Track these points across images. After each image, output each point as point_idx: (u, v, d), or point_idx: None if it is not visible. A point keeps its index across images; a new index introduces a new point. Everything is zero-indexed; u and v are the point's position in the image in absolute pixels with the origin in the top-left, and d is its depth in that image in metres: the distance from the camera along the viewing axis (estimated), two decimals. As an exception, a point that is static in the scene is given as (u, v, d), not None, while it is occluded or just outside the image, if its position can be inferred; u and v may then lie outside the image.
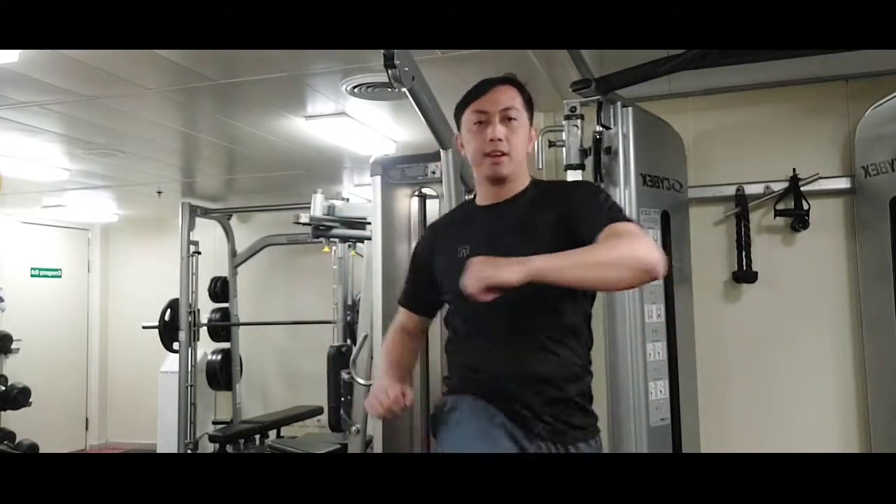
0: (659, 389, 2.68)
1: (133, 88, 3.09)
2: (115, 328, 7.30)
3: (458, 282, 1.42)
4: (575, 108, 2.68)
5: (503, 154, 1.63)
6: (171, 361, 5.90)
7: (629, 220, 1.54)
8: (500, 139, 1.63)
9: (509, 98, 1.67)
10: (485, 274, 1.36)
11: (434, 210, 2.96)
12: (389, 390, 1.66)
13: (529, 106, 1.71)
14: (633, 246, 1.42)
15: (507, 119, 1.65)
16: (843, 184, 2.99)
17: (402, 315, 1.89)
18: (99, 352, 7.29)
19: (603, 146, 2.67)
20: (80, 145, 4.09)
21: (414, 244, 2.01)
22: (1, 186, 4.14)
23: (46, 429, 6.11)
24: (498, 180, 1.68)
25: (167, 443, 5.85)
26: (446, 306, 1.81)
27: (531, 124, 1.73)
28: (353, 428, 3.55)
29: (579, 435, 1.64)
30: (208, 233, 6.13)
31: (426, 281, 1.78)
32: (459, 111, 1.73)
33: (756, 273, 3.03)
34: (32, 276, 6.67)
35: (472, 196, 1.84)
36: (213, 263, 6.17)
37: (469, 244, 1.65)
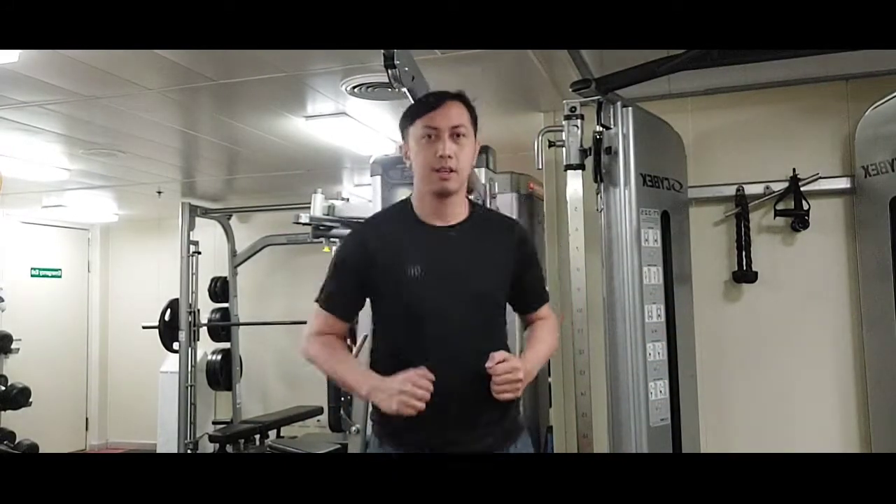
0: (659, 389, 2.68)
1: (133, 88, 3.09)
2: (115, 328, 7.30)
3: (411, 301, 1.70)
4: (575, 108, 2.68)
5: (451, 171, 1.68)
6: (171, 361, 5.90)
7: (547, 295, 1.97)
8: (449, 156, 1.66)
9: (458, 115, 1.71)
10: (520, 381, 1.63)
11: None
12: (415, 379, 1.58)
13: (475, 123, 1.76)
14: (557, 329, 1.94)
15: (456, 136, 1.69)
16: (843, 184, 2.99)
17: (328, 323, 1.79)
18: (99, 352, 7.29)
19: (603, 146, 2.67)
20: (80, 145, 4.09)
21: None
22: (1, 186, 4.13)
23: (46, 429, 6.11)
24: (444, 195, 1.72)
25: (167, 443, 5.85)
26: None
27: (476, 141, 1.78)
28: (353, 428, 3.55)
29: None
30: (208, 233, 6.13)
31: (356, 286, 1.77)
32: (407, 122, 1.75)
33: (756, 273, 3.03)
34: (32, 276, 6.67)
35: (403, 200, 1.85)
36: (213, 263, 6.17)
37: (421, 266, 1.69)
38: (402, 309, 1.73)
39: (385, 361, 1.72)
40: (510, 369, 1.61)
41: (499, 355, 1.62)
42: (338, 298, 1.80)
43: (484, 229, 1.80)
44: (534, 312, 1.88)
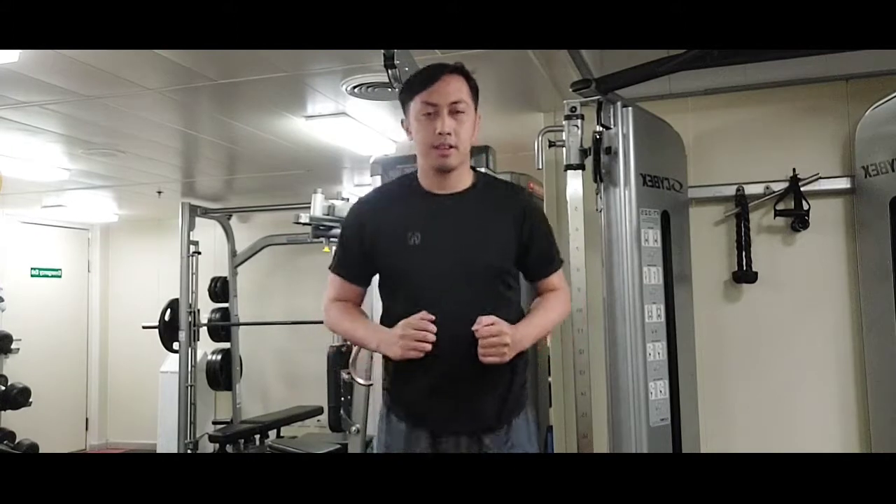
0: (659, 389, 2.67)
1: (133, 88, 3.09)
2: (115, 328, 7.30)
3: (410, 268, 1.74)
4: (575, 108, 2.68)
5: (451, 147, 1.69)
6: (171, 361, 5.90)
7: (560, 263, 1.92)
8: (448, 133, 1.68)
9: (457, 89, 1.71)
10: (506, 346, 1.64)
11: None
12: (414, 322, 1.65)
13: (475, 95, 1.76)
14: (566, 303, 1.94)
15: (455, 112, 1.70)
16: (843, 184, 2.99)
17: (342, 289, 1.87)
18: (99, 352, 7.29)
19: (603, 146, 2.67)
20: (80, 145, 4.09)
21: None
22: (1, 186, 4.14)
23: (46, 429, 6.11)
24: (445, 171, 1.74)
25: (167, 443, 5.85)
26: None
27: (476, 113, 1.78)
28: (353, 428, 3.55)
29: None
30: (208, 233, 6.13)
31: (360, 251, 1.81)
32: (407, 97, 1.75)
33: (756, 273, 3.03)
34: (32, 276, 6.67)
35: (412, 175, 1.85)
36: (213, 263, 6.17)
37: (420, 232, 1.72)
38: (402, 276, 1.77)
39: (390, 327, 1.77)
40: (496, 332, 1.62)
41: (486, 319, 1.63)
42: (345, 263, 1.86)
43: (487, 196, 1.81)
44: (543, 280, 1.87)
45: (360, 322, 1.85)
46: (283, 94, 3.29)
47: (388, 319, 1.78)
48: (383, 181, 3.09)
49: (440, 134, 1.68)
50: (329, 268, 1.89)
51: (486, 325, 1.62)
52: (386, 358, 1.79)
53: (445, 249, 1.73)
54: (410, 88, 1.74)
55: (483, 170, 2.10)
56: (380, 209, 1.82)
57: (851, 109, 2.99)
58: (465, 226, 1.75)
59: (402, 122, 1.82)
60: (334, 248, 1.89)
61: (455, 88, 1.71)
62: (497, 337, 1.62)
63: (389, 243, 1.75)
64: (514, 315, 1.77)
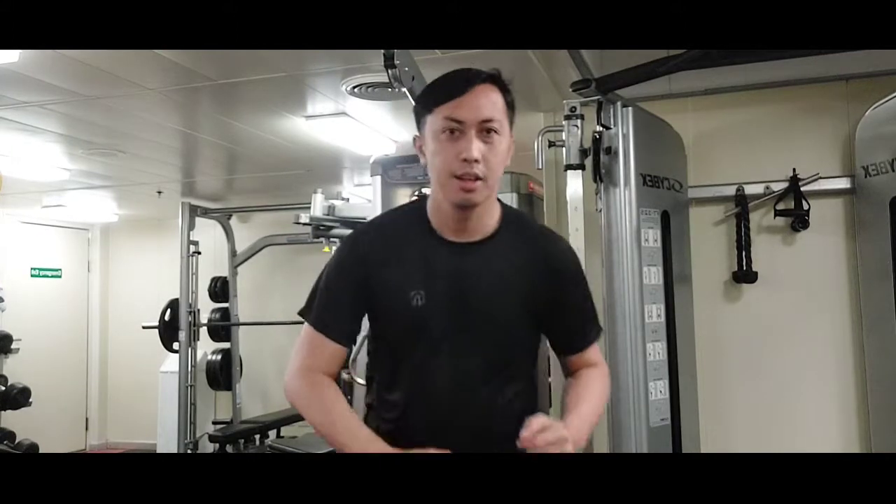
0: (659, 389, 2.68)
1: (133, 88, 3.09)
2: (115, 328, 7.30)
3: (409, 336, 1.38)
4: (575, 108, 2.68)
5: (478, 179, 1.31)
6: (171, 361, 5.90)
7: (599, 332, 1.54)
8: (476, 160, 1.30)
9: (491, 104, 1.34)
10: (556, 446, 1.20)
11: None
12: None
13: (512, 111, 1.39)
14: (608, 382, 1.54)
15: (486, 132, 1.33)
16: (843, 184, 2.99)
17: (320, 351, 1.40)
18: (99, 352, 7.29)
19: (603, 146, 2.67)
20: (80, 145, 4.09)
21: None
22: (1, 186, 4.14)
23: (46, 429, 6.11)
24: (467, 208, 1.36)
25: (167, 443, 5.85)
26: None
27: (511, 135, 1.39)
28: (353, 428, 3.53)
29: None
30: (208, 233, 6.14)
31: (353, 300, 1.41)
32: (424, 108, 1.37)
33: (756, 273, 3.03)
34: (32, 276, 6.67)
35: (420, 200, 1.49)
36: (213, 263, 6.17)
37: (424, 290, 1.36)
38: (400, 341, 1.42)
39: (381, 402, 1.45)
40: (555, 440, 1.20)
41: (537, 422, 1.22)
42: (332, 317, 1.41)
43: (514, 246, 1.42)
44: (576, 355, 1.49)
45: (342, 420, 1.36)
46: (283, 94, 3.29)
47: (379, 381, 1.48)
48: (383, 181, 3.08)
49: (465, 160, 1.30)
50: (301, 313, 1.45)
51: (540, 433, 1.20)
52: (370, 378, 1.52)
53: (454, 316, 1.37)
54: (430, 98, 1.37)
55: (510, 197, 1.67)
56: (380, 254, 1.41)
57: (851, 109, 2.99)
58: (482, 287, 1.39)
59: (414, 139, 1.44)
60: (314, 290, 1.47)
61: (489, 103, 1.33)
62: (556, 445, 1.19)
63: (388, 296, 1.39)
64: (532, 389, 1.49)
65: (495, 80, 1.38)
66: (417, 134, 1.42)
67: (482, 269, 1.39)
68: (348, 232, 4.67)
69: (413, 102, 1.50)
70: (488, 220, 1.41)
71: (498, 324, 1.40)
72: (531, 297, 1.41)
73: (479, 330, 1.38)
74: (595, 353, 1.52)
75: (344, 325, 1.42)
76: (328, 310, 1.42)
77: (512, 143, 1.40)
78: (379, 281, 1.39)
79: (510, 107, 1.39)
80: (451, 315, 1.37)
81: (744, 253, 3.03)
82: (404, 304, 1.37)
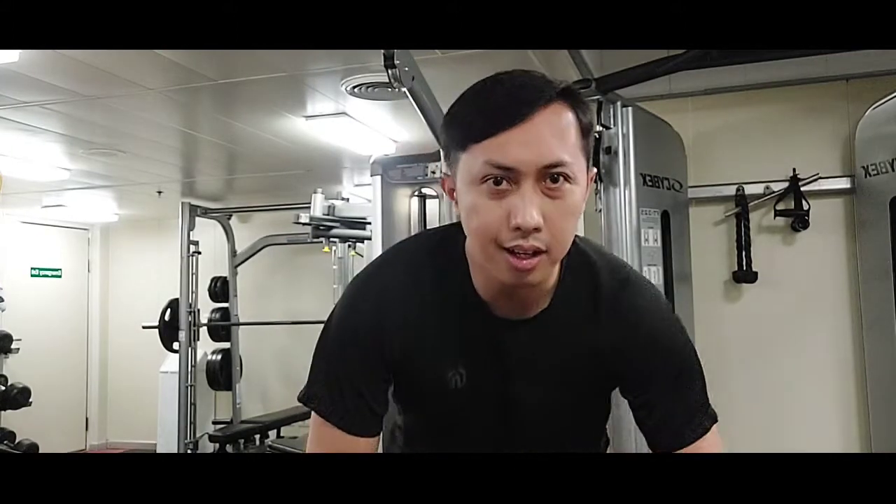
0: (659, 389, 2.68)
1: (133, 88, 3.09)
2: (115, 328, 7.30)
3: (445, 422, 1.08)
4: (575, 108, 2.68)
5: (537, 253, 0.89)
6: (171, 361, 5.90)
7: (712, 420, 1.05)
8: (535, 227, 0.87)
9: (560, 140, 0.88)
10: None
11: (434, 210, 2.95)
12: None
13: (587, 135, 0.93)
14: None
15: (553, 179, 0.88)
16: (843, 184, 2.99)
17: (334, 444, 1.01)
18: (99, 352, 7.29)
19: (603, 146, 2.67)
20: (80, 145, 4.09)
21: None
22: (1, 186, 4.14)
23: (46, 429, 6.11)
24: (522, 286, 0.94)
25: (167, 443, 5.85)
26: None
27: (590, 162, 0.95)
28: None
29: None
30: (208, 233, 6.14)
31: (374, 376, 1.03)
32: (454, 141, 0.92)
33: (756, 273, 3.03)
34: (32, 276, 6.67)
35: (451, 232, 1.05)
36: (213, 263, 6.17)
37: (465, 369, 1.03)
38: (434, 430, 1.13)
39: (405, 439, 1.21)
40: None
41: None
42: (347, 403, 1.01)
43: (582, 313, 1.02)
44: (682, 449, 1.01)
45: None
46: (283, 94, 3.29)
47: (406, 435, 1.20)
48: (383, 181, 3.06)
49: (517, 228, 0.87)
50: (302, 400, 1.05)
51: None
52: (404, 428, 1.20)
53: (503, 403, 1.06)
54: (464, 128, 0.91)
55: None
56: (407, 309, 1.02)
57: (851, 109, 2.99)
58: (540, 369, 1.04)
59: (441, 175, 1.02)
60: (311, 366, 1.06)
61: (557, 137, 0.88)
62: None
63: (417, 373, 1.04)
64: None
65: (567, 95, 0.90)
66: (445, 171, 0.97)
67: (541, 347, 1.03)
68: (348, 232, 4.70)
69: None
70: (547, 286, 1.00)
71: (560, 415, 1.08)
72: (605, 380, 1.07)
73: (533, 420, 1.07)
74: (711, 442, 1.03)
75: (364, 412, 1.02)
76: (341, 395, 1.01)
77: (591, 182, 0.96)
78: (409, 348, 1.02)
79: (587, 135, 0.92)
80: (499, 403, 1.06)
81: (744, 253, 3.04)
82: (440, 381, 1.03)
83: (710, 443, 1.03)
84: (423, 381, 1.05)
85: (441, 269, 1.03)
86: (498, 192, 0.88)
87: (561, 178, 0.88)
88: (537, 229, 0.87)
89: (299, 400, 1.06)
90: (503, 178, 0.87)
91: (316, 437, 1.04)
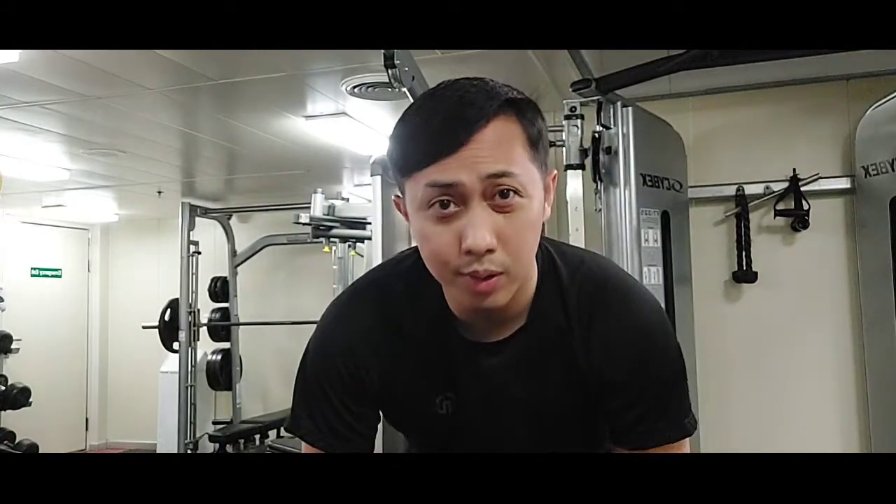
0: (659, 389, 2.67)
1: (133, 88, 3.09)
2: (115, 328, 7.30)
3: (439, 444, 1.06)
4: (575, 108, 2.68)
5: (495, 275, 0.85)
6: (171, 361, 5.91)
7: (691, 427, 1.02)
8: (488, 248, 0.83)
9: (504, 153, 0.84)
10: None
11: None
12: None
13: (542, 142, 0.89)
14: None
15: (502, 195, 0.84)
16: (843, 184, 2.99)
17: None
18: (99, 352, 7.29)
19: (602, 146, 2.67)
20: (81, 145, 4.09)
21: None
22: (1, 186, 4.14)
23: (46, 429, 6.11)
24: (488, 310, 0.91)
25: (167, 443, 5.85)
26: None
27: (547, 168, 0.91)
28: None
29: None
30: (208, 233, 6.14)
31: (364, 405, 1.02)
32: (400, 169, 0.89)
33: (756, 273, 3.03)
34: (32, 276, 6.67)
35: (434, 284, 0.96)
36: (213, 263, 6.17)
37: (455, 395, 1.00)
38: (428, 449, 1.14)
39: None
40: None
41: None
42: (332, 429, 1.01)
43: (556, 326, 0.97)
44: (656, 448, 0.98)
45: None
46: (283, 94, 3.29)
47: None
48: (383, 181, 3.06)
49: (469, 251, 0.83)
50: (289, 430, 1.07)
51: None
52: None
53: (492, 427, 1.03)
54: (405, 154, 0.88)
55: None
56: (380, 342, 1.00)
57: (851, 109, 2.99)
58: (526, 390, 1.00)
59: (393, 197, 0.97)
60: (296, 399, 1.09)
61: (497, 150, 0.83)
62: None
63: (407, 400, 1.03)
64: None
65: (511, 106, 0.85)
66: (397, 193, 0.94)
67: (521, 369, 0.99)
68: (348, 232, 4.69)
69: (406, 116, 0.93)
70: (522, 301, 0.96)
71: (549, 430, 1.03)
72: (588, 389, 0.99)
73: (525, 437, 1.04)
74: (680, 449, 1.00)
75: (357, 434, 1.02)
76: (331, 418, 1.01)
77: (550, 193, 0.93)
78: (392, 375, 1.01)
79: (537, 145, 0.87)
80: (487, 424, 1.02)
81: (744, 253, 3.04)
82: (428, 407, 1.01)
83: (683, 450, 1.02)
84: (404, 409, 1.05)
85: (414, 294, 1.00)
86: (446, 217, 0.84)
87: (511, 193, 0.83)
88: (490, 250, 0.83)
89: (286, 430, 1.06)
90: (450, 200, 0.83)
91: None
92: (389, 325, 1.00)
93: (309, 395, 1.03)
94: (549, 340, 0.98)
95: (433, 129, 0.84)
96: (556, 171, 0.96)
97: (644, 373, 0.96)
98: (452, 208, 0.83)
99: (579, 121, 2.69)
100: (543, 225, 0.92)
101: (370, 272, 1.12)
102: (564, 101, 2.72)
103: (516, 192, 0.83)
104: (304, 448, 1.03)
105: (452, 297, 0.96)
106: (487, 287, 0.85)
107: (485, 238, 0.82)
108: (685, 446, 1.02)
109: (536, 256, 0.95)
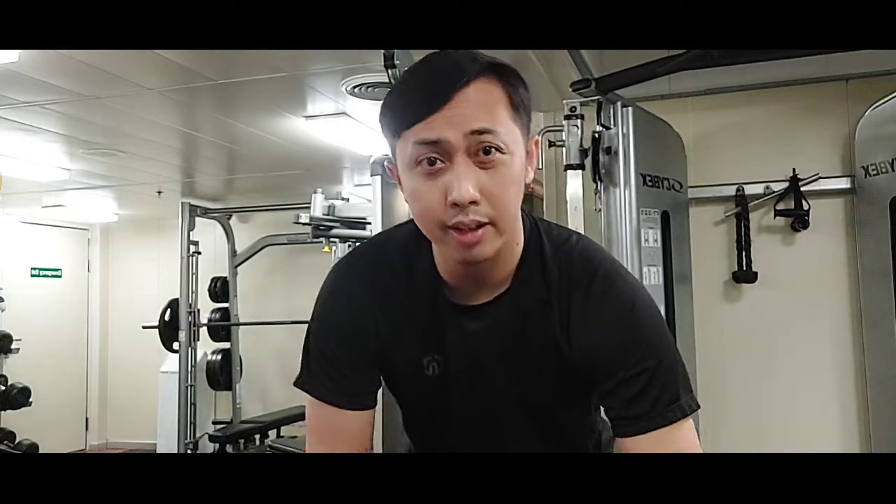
0: (659, 389, 2.67)
1: (133, 88, 3.09)
2: (115, 328, 7.31)
3: (428, 408, 1.09)
4: (575, 108, 2.68)
5: (481, 225, 0.90)
6: (171, 361, 5.91)
7: (692, 408, 1.06)
8: (472, 200, 0.88)
9: (486, 111, 0.90)
10: None
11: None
12: None
13: (523, 109, 0.97)
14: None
15: (485, 152, 0.89)
16: (843, 184, 2.99)
17: (330, 422, 1.07)
18: (99, 352, 7.30)
19: (602, 146, 2.67)
20: (80, 145, 4.09)
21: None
22: (1, 186, 4.14)
23: (46, 429, 6.11)
24: (476, 263, 0.95)
25: (167, 443, 5.85)
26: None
27: (528, 133, 0.98)
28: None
29: None
30: (208, 233, 6.14)
31: (360, 359, 1.07)
32: (391, 131, 0.95)
33: (756, 273, 3.03)
34: (32, 276, 6.67)
35: (427, 249, 1.05)
36: (213, 263, 6.17)
37: (442, 357, 1.04)
38: (419, 417, 1.16)
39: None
40: None
41: None
42: (342, 379, 1.06)
43: (545, 295, 1.00)
44: (629, 440, 0.99)
45: None
46: (283, 94, 3.29)
47: (409, 442, 1.24)
48: (383, 181, 3.06)
49: (455, 204, 0.88)
50: (297, 384, 1.10)
51: None
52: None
53: (478, 391, 1.06)
54: (396, 116, 0.94)
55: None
56: (377, 305, 1.06)
57: (851, 109, 2.99)
58: (509, 356, 1.03)
59: (386, 163, 1.09)
60: (303, 360, 1.11)
61: (481, 107, 0.89)
62: None
63: (400, 361, 1.07)
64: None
65: (493, 70, 0.92)
66: (390, 159, 0.99)
67: (507, 332, 1.02)
68: (348, 232, 4.70)
69: (396, 86, 1.04)
70: (508, 262, 1.00)
71: (537, 396, 1.05)
72: (577, 359, 1.00)
73: (511, 403, 1.06)
74: (682, 439, 1.02)
75: (360, 384, 1.07)
76: (333, 374, 1.06)
77: (533, 157, 0.98)
78: (389, 333, 1.06)
79: (518, 107, 0.95)
80: (474, 388, 1.05)
81: (744, 253, 3.04)
82: (417, 368, 1.05)
83: (677, 437, 1.01)
84: (398, 370, 1.08)
85: (408, 259, 1.06)
86: (433, 173, 0.90)
87: (493, 150, 0.89)
88: (474, 202, 0.88)
89: (295, 385, 1.11)
90: (436, 157, 0.89)
91: (312, 416, 1.09)
92: (384, 287, 1.06)
93: (315, 353, 1.08)
94: (530, 310, 1.01)
95: (420, 90, 0.92)
96: (538, 137, 1.03)
97: (628, 355, 0.98)
98: (439, 164, 0.90)
99: (579, 121, 2.68)
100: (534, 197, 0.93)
101: (373, 237, 1.21)
102: (564, 101, 2.72)
103: (498, 149, 0.90)
104: (308, 402, 1.08)
105: (443, 256, 1.01)
106: (474, 238, 0.90)
107: (468, 190, 0.88)
108: (687, 429, 1.03)
109: (524, 227, 1.02)
